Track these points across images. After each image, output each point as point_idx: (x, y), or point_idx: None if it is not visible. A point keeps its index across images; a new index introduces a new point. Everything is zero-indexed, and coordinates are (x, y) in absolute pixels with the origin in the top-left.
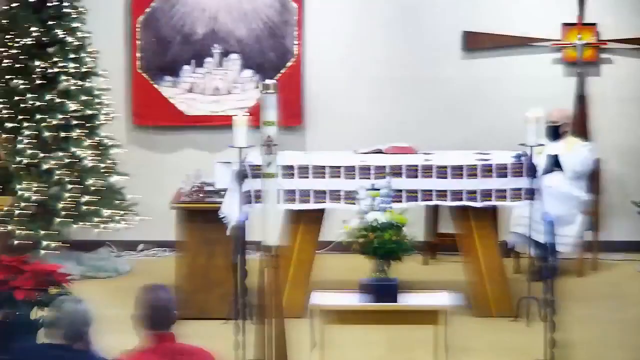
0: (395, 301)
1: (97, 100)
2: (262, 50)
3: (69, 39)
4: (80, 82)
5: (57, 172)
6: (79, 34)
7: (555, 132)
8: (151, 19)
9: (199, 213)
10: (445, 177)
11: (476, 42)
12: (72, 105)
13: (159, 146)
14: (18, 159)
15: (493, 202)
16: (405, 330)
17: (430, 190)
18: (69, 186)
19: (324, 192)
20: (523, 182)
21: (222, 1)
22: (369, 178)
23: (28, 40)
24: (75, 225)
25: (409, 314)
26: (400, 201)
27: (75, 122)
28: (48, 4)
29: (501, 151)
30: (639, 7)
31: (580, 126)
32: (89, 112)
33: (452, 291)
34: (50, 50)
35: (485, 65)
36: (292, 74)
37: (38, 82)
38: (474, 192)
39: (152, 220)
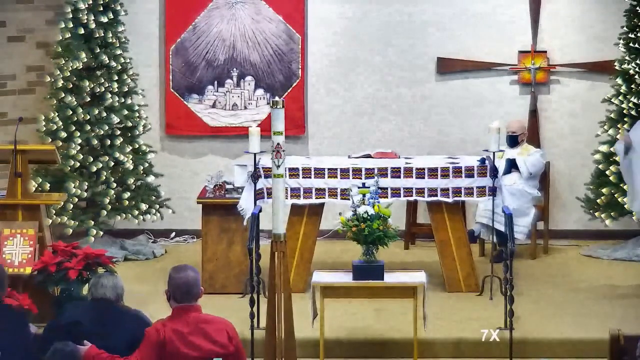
0: (382, 279)
1: (136, 114)
2: (272, 73)
3: (113, 63)
4: (122, 99)
5: (103, 173)
6: (122, 60)
7: (514, 140)
8: (181, 47)
9: (220, 207)
10: (423, 177)
11: (448, 67)
12: (116, 118)
13: (187, 152)
14: (71, 162)
15: (462, 198)
16: (389, 303)
17: (411, 188)
18: (113, 185)
19: (323, 189)
20: (486, 182)
21: (239, 33)
22: (360, 178)
23: (79, 65)
24: (118, 217)
25: (392, 289)
26: (386, 197)
27: (118, 132)
28: (96, 35)
29: (468, 156)
30: (581, 37)
31: (533, 135)
32: (129, 124)
33: (428, 271)
34: (97, 72)
35: (455, 85)
36: (297, 93)
37: (87, 99)
38: (447, 189)
39: (182, 213)
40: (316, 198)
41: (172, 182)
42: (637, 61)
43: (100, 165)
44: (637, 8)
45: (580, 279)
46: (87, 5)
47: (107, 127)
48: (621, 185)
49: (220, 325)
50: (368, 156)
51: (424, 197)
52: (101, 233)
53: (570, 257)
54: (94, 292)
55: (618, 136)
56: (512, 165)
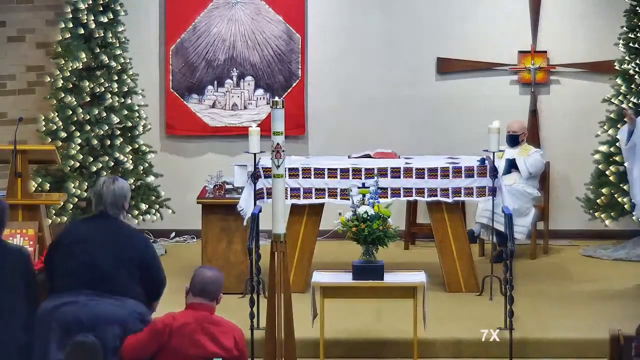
0: (382, 279)
1: (136, 114)
2: (272, 73)
3: (113, 63)
4: (122, 99)
5: (103, 173)
6: (121, 60)
7: (514, 140)
8: (181, 47)
9: (220, 207)
10: (423, 177)
11: (448, 66)
12: (116, 118)
13: (187, 152)
14: (71, 162)
15: (462, 198)
16: (389, 303)
17: (411, 188)
18: None
19: (323, 189)
20: (486, 182)
21: (239, 33)
22: (360, 178)
23: (79, 65)
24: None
25: (392, 289)
26: (386, 197)
27: (118, 132)
28: (95, 35)
29: (468, 156)
30: (581, 38)
31: (533, 135)
32: (129, 124)
33: (428, 271)
34: (97, 73)
35: (455, 86)
36: (297, 93)
37: (87, 99)
38: (446, 189)
39: (182, 213)
40: (316, 198)
41: (172, 182)
42: (637, 61)
43: (100, 165)
44: (637, 8)
45: (580, 279)
46: (87, 5)
47: (107, 127)
48: (621, 185)
49: (229, 329)
50: (368, 156)
51: (423, 197)
52: None
53: (570, 257)
54: (95, 205)
55: (619, 126)
56: (511, 165)
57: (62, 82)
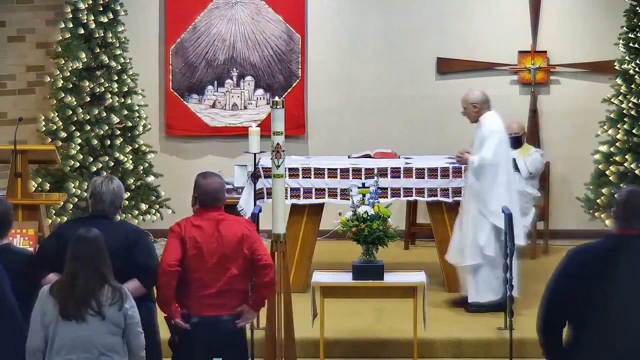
0: (382, 279)
1: (136, 114)
2: (272, 73)
3: (113, 63)
4: (122, 99)
5: (103, 173)
6: (121, 60)
7: (518, 142)
8: (181, 47)
9: None
10: (423, 177)
11: (448, 66)
12: (116, 118)
13: (187, 152)
14: (71, 162)
15: (462, 198)
16: (389, 303)
17: (411, 188)
18: None
19: (323, 189)
20: None
21: (239, 33)
22: (360, 178)
23: (79, 65)
24: (118, 217)
25: (392, 289)
26: (386, 197)
27: (118, 132)
28: (96, 35)
29: None
30: (581, 37)
31: (533, 135)
32: (129, 124)
33: (428, 271)
34: (97, 73)
35: (455, 85)
36: (297, 93)
37: (87, 99)
38: (446, 189)
39: (182, 213)
40: (316, 198)
41: (172, 182)
42: (637, 61)
43: (100, 165)
44: (637, 8)
45: None
46: (87, 5)
47: (107, 127)
48: (621, 185)
49: (238, 223)
50: (368, 156)
51: (424, 197)
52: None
53: None
54: (92, 205)
55: (618, 136)
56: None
57: (62, 82)
